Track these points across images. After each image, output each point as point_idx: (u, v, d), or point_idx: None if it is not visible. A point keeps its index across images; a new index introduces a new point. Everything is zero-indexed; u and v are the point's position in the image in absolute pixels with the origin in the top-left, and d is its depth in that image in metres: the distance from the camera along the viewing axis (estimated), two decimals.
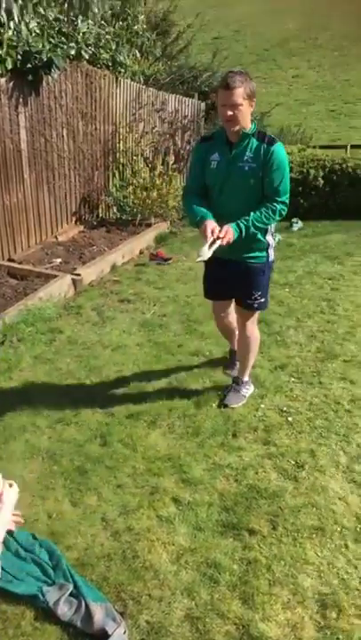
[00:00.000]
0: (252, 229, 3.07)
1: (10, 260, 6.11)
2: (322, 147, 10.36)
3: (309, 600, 2.33)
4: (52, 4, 6.34)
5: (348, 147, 10.36)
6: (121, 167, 7.88)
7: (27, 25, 5.72)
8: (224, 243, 2.96)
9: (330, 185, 8.71)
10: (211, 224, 3.01)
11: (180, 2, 16.45)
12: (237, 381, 3.76)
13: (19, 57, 5.61)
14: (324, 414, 3.53)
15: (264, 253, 3.32)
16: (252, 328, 3.59)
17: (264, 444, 3.28)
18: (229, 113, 2.99)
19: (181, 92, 9.26)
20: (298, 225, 8.17)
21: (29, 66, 5.75)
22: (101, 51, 7.02)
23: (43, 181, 6.53)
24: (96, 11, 6.31)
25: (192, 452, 3.22)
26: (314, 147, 10.07)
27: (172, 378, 3.97)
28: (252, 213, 3.06)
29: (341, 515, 2.75)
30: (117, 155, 7.81)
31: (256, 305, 3.45)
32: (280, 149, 3.09)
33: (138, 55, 8.70)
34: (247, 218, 3.05)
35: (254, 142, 3.09)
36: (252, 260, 3.31)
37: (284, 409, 3.59)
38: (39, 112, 6.24)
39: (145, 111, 8.14)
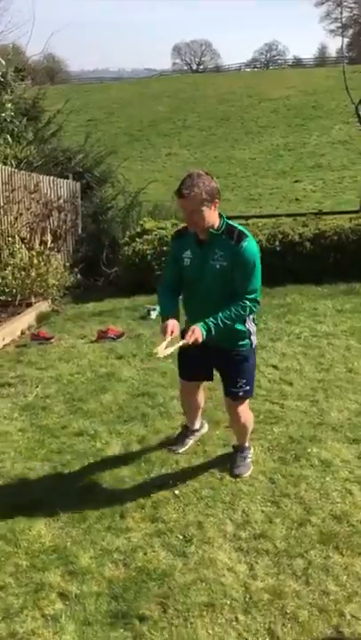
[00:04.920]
0: (222, 327, 3.07)
1: None
2: None
3: None
4: None
5: None
6: None
7: None
8: (191, 342, 3.00)
9: None
10: (172, 324, 3.08)
11: (52, 88, 17.02)
12: (241, 449, 3.65)
13: None
14: (210, 483, 3.54)
15: (247, 341, 3.33)
16: (245, 414, 3.51)
17: (152, 522, 3.22)
18: (190, 218, 3.06)
19: (56, 174, 9.46)
20: (156, 312, 6.76)
21: None
22: None
23: None
24: None
25: (78, 539, 3.10)
26: None
27: (56, 462, 3.85)
28: (220, 312, 3.06)
29: (230, 586, 2.73)
30: None
31: (242, 393, 3.39)
32: (249, 246, 3.07)
33: (9, 139, 8.84)
34: (216, 316, 3.06)
35: (224, 240, 3.09)
36: (237, 349, 3.31)
37: (171, 482, 3.57)
38: None
39: (18, 193, 8.20)
